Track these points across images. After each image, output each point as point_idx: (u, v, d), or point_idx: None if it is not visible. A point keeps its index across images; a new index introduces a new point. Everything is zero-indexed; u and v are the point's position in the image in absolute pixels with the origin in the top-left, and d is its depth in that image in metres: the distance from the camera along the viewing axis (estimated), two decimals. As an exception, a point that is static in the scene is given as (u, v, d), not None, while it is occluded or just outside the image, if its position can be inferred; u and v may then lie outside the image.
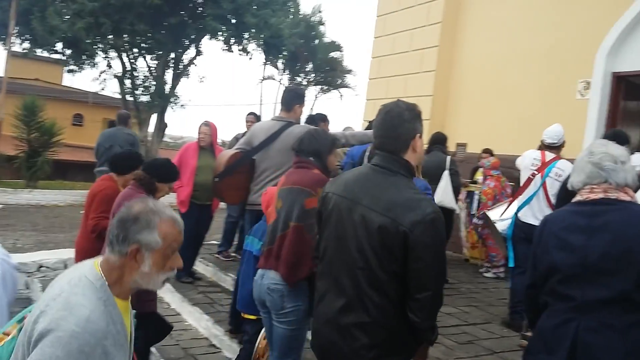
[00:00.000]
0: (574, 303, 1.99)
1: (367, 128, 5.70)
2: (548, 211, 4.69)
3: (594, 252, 1.97)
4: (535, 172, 4.68)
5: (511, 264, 4.82)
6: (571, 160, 5.07)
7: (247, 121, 6.70)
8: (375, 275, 1.92)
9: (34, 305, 1.66)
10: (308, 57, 28.27)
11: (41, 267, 6.38)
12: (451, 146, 7.43)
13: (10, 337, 1.75)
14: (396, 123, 2.03)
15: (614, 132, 3.70)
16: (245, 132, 5.79)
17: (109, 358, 1.53)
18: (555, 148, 4.71)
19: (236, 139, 6.30)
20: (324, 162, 2.97)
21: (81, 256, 3.87)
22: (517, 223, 4.74)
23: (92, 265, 1.65)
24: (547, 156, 4.70)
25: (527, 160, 4.81)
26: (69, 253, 6.04)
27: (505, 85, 7.69)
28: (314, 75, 30.46)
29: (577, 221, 2.05)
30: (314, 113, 6.84)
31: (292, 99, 4.13)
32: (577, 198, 2.11)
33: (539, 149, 4.83)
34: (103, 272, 1.63)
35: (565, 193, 3.60)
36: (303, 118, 5.46)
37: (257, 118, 6.76)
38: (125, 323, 1.66)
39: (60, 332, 1.44)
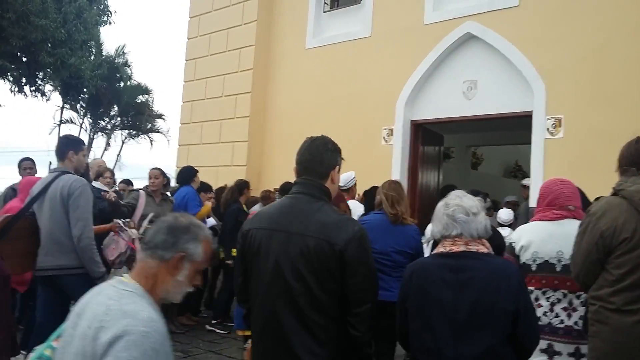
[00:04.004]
0: None
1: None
2: None
3: (463, 309, 1.99)
4: None
5: None
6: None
7: (23, 168, 5.56)
8: (317, 298, 1.98)
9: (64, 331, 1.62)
10: (112, 100, 26.66)
11: None
12: (269, 192, 7.38)
13: None
14: (321, 150, 2.22)
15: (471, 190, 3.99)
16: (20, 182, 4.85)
17: (169, 358, 1.56)
18: (345, 190, 5.24)
19: (8, 191, 5.14)
20: None
21: None
22: None
23: (122, 280, 1.64)
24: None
25: None
26: None
27: (316, 131, 7.73)
28: (119, 119, 28.79)
29: (445, 276, 2.06)
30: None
31: (64, 146, 3.84)
32: (440, 249, 2.14)
33: None
34: (138, 282, 1.64)
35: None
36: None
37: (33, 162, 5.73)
38: None
39: (132, 335, 1.45)
